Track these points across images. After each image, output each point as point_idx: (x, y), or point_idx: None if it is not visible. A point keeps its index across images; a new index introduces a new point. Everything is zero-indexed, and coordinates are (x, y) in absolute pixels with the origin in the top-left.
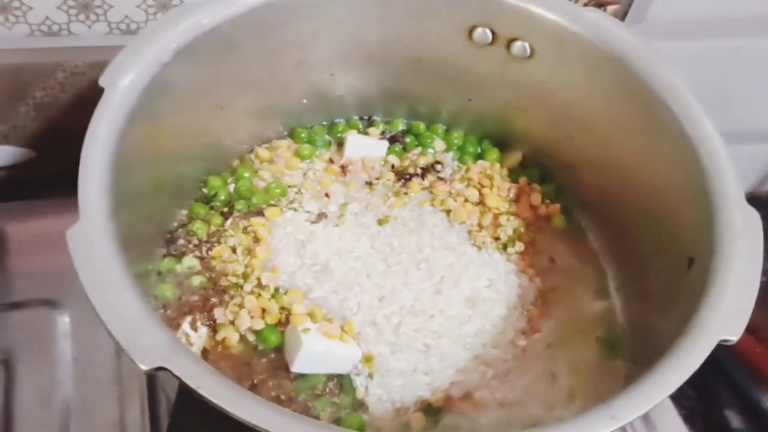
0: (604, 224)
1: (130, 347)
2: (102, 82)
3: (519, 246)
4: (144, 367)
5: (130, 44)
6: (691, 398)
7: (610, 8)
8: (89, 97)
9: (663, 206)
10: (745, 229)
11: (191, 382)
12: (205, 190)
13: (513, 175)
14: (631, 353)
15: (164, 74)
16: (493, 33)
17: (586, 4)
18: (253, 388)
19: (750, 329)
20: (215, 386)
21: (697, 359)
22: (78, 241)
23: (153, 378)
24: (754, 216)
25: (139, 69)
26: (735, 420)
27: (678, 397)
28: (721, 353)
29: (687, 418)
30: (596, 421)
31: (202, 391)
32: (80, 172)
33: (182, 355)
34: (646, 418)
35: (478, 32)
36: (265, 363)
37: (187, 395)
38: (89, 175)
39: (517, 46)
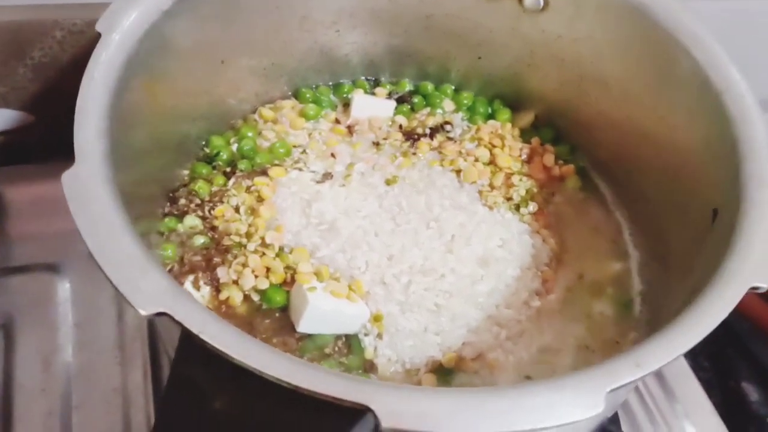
0: (621, 184)
1: (128, 292)
2: (99, 26)
3: (532, 206)
4: (144, 313)
5: None
6: (707, 370)
7: None
8: (90, 56)
9: (683, 161)
10: None
11: (193, 328)
12: (207, 150)
13: (525, 135)
14: (647, 314)
15: (164, 23)
16: None
17: None
18: None
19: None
20: (218, 331)
21: (726, 307)
22: (73, 184)
23: (155, 342)
24: None
25: (137, 15)
26: (753, 392)
27: (694, 369)
28: (739, 324)
29: (704, 389)
30: (621, 367)
31: (204, 336)
32: (76, 116)
33: (183, 300)
34: (664, 384)
35: None
36: (270, 323)
37: (189, 343)
38: (85, 118)
39: None
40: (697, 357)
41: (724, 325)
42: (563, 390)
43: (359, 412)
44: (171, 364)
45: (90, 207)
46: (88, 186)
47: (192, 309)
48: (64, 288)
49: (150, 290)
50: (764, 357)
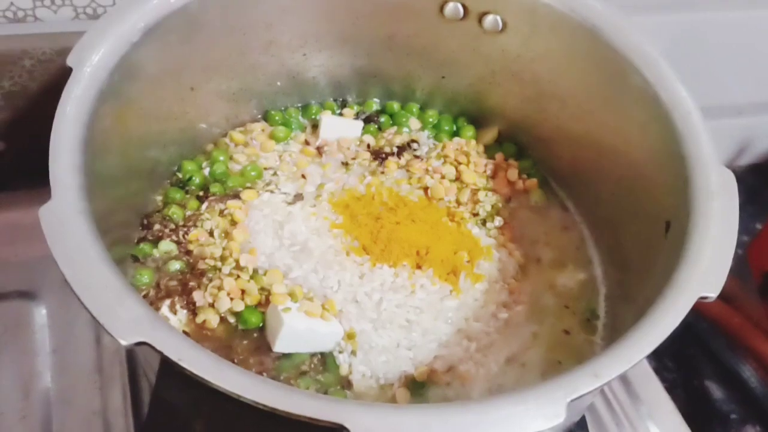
0: (581, 196)
1: (108, 323)
2: (69, 61)
3: (498, 221)
4: (124, 342)
5: (97, 23)
6: (671, 370)
7: None
8: (59, 84)
9: (637, 174)
10: (721, 189)
11: (172, 355)
12: (179, 175)
13: (489, 151)
14: (611, 321)
15: (133, 54)
16: (465, 7)
17: None
18: None
19: (728, 299)
20: (196, 358)
21: (677, 316)
22: (51, 218)
23: (134, 365)
24: (729, 176)
25: (107, 48)
26: (716, 391)
27: (659, 370)
28: (700, 325)
29: (669, 390)
30: (579, 379)
31: (183, 364)
32: (51, 151)
33: (162, 328)
34: (629, 388)
35: (450, 7)
36: (247, 344)
37: (168, 370)
38: (60, 153)
39: (489, 20)
40: (662, 358)
41: (687, 326)
42: (526, 402)
43: (334, 430)
44: (152, 389)
45: (67, 240)
46: (65, 219)
47: (170, 336)
48: (40, 314)
49: (129, 320)
50: (725, 356)
